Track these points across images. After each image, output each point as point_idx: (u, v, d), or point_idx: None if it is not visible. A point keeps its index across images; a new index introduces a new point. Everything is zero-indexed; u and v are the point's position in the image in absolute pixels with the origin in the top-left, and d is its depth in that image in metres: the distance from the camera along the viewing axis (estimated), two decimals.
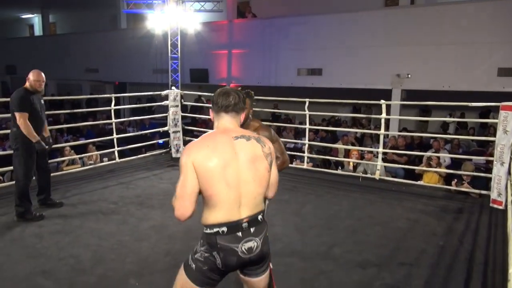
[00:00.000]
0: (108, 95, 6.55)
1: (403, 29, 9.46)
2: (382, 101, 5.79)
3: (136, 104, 12.92)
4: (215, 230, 1.76)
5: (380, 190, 5.48)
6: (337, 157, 7.60)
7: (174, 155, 7.11)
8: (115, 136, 6.49)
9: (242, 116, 1.89)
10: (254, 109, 3.06)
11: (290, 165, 6.99)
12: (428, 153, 6.52)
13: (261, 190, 1.83)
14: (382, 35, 9.74)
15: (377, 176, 5.84)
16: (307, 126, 6.57)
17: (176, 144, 7.18)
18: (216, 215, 1.77)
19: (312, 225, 4.19)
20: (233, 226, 1.76)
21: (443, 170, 6.03)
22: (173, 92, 7.19)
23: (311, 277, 3.12)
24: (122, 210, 4.50)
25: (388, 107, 6.52)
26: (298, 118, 11.82)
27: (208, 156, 1.72)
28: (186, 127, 7.56)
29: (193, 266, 1.85)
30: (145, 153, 7.42)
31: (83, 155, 6.75)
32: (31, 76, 4.14)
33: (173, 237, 3.76)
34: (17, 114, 4.00)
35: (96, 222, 4.14)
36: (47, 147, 4.24)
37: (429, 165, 6.10)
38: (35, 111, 4.14)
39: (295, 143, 8.46)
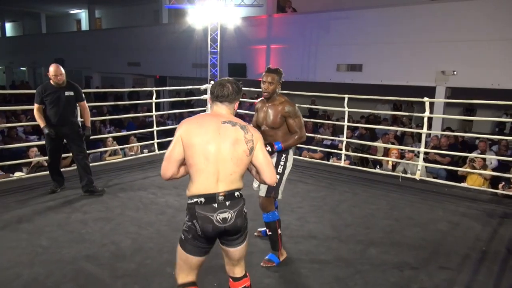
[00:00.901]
0: (149, 89, 6.74)
1: (449, 24, 9.04)
2: (426, 99, 5.58)
3: (175, 97, 13.20)
4: (195, 200, 2.01)
5: (420, 191, 5.31)
6: (376, 155, 7.43)
7: None
8: (155, 128, 6.68)
9: (236, 105, 2.18)
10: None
11: (326, 162, 6.94)
12: (473, 154, 6.23)
13: (237, 169, 2.04)
14: (427, 30, 9.36)
15: (417, 177, 5.66)
16: (346, 123, 6.45)
17: None
18: (197, 187, 2.02)
19: (348, 224, 4.13)
20: (210, 198, 2.00)
21: (488, 172, 5.74)
22: None
23: (346, 276, 3.08)
24: (160, 200, 4.63)
25: (431, 105, 6.27)
26: (335, 114, 11.64)
27: (194, 132, 2.02)
28: None
29: (183, 237, 2.11)
30: None
31: (124, 146, 7.00)
32: (49, 70, 4.39)
33: None
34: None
35: (136, 211, 4.29)
36: (47, 131, 4.41)
37: (473, 167, 5.82)
38: (50, 104, 4.40)
39: (332, 140, 8.34)
